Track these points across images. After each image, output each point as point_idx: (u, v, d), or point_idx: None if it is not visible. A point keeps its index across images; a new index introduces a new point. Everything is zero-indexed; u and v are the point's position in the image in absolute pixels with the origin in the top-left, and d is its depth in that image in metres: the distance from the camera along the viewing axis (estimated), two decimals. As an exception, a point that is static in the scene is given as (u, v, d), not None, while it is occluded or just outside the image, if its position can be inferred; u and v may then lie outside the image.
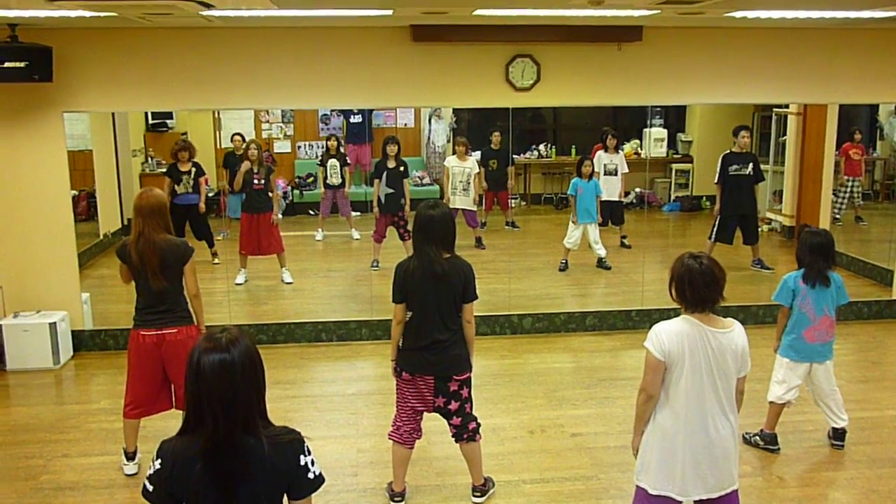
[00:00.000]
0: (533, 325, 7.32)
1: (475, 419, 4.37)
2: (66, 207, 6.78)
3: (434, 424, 4.64)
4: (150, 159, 11.00)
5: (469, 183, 9.65)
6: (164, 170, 9.68)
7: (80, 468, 4.88)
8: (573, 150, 12.32)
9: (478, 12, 5.71)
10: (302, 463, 2.32)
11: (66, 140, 6.70)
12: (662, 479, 3.37)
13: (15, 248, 6.70)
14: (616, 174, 9.65)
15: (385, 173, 8.87)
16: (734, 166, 8.82)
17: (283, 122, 12.42)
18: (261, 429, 2.27)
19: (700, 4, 5.20)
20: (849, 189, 10.18)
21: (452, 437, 4.37)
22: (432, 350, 4.15)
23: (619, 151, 9.96)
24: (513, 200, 11.71)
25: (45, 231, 6.70)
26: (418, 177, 11.94)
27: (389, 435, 4.38)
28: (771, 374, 5.07)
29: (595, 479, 4.71)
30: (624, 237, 9.98)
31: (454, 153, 10.04)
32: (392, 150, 8.93)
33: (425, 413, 4.34)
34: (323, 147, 11.64)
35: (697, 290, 3.32)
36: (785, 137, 10.50)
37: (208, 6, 4.96)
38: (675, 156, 12.32)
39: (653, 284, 7.64)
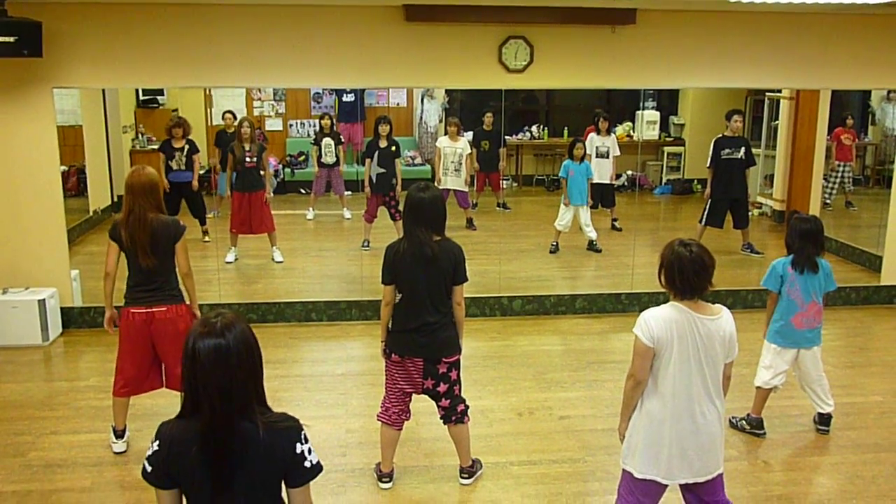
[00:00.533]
0: (523, 308, 7.34)
1: (464, 401, 4.39)
2: (55, 183, 6.74)
3: (423, 405, 4.67)
4: (140, 135, 10.93)
5: (461, 163, 9.63)
6: (157, 146, 9.63)
7: (69, 445, 4.89)
8: (565, 132, 12.31)
9: (472, -7, 5.69)
10: (298, 451, 2.31)
11: (55, 116, 6.65)
12: (648, 464, 3.40)
13: (4, 223, 6.66)
14: (608, 157, 9.64)
15: (376, 153, 8.83)
16: (726, 150, 8.83)
17: (274, 100, 12.34)
18: (258, 414, 2.26)
19: (695, -12, 5.18)
20: (839, 174, 10.21)
21: (441, 419, 4.39)
22: (422, 332, 4.16)
23: (611, 134, 9.95)
24: (504, 182, 11.72)
25: (35, 207, 6.67)
26: (410, 157, 11.91)
27: (378, 416, 4.39)
28: (759, 359, 5.11)
29: (582, 461, 4.74)
30: (615, 220, 9.99)
31: (446, 133, 10.01)
32: (384, 129, 8.88)
33: (414, 394, 4.36)
34: (315, 126, 11.60)
35: (687, 277, 3.34)
36: (777, 122, 10.52)
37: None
38: (667, 139, 12.33)
39: (643, 268, 7.66)
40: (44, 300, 6.51)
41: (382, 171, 8.83)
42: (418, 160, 12.04)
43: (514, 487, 4.46)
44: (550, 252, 9.04)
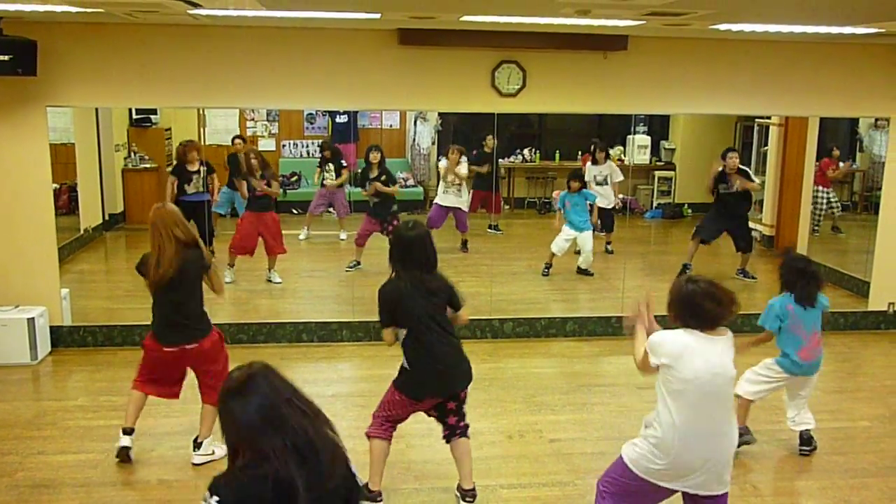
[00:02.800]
0: (514, 330, 7.35)
1: (465, 416, 4.41)
2: (47, 201, 6.74)
3: (414, 427, 4.66)
4: (133, 154, 10.94)
5: (462, 184, 9.69)
6: (170, 169, 9.67)
7: (57, 465, 4.86)
8: (557, 155, 12.39)
9: (465, 18, 5.73)
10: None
11: (48, 134, 6.66)
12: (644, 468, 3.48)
13: (-5, 241, 6.65)
14: (606, 184, 9.74)
15: (367, 183, 8.95)
16: (723, 185, 8.92)
17: (267, 120, 12.39)
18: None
19: (686, 17, 5.25)
20: (825, 199, 10.28)
21: (445, 437, 4.38)
22: (449, 369, 4.22)
23: (608, 160, 10.02)
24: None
25: (26, 225, 6.66)
26: (402, 178, 11.94)
27: (371, 433, 4.34)
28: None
29: (572, 484, 4.74)
30: (609, 243, 10.05)
31: (443, 157, 10.07)
32: (374, 157, 9.00)
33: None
34: (307, 146, 11.68)
35: (704, 312, 3.42)
36: (766, 148, 10.61)
37: (196, 5, 4.96)
38: (658, 163, 12.41)
39: (633, 291, 7.68)
40: (33, 319, 6.48)
41: (377, 199, 8.87)
42: (411, 182, 12.08)
43: (504, 511, 4.45)
44: (543, 274, 9.05)
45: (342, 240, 10.38)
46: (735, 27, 5.98)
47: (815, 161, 9.64)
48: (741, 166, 9.00)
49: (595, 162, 9.87)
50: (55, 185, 7.26)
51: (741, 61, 7.11)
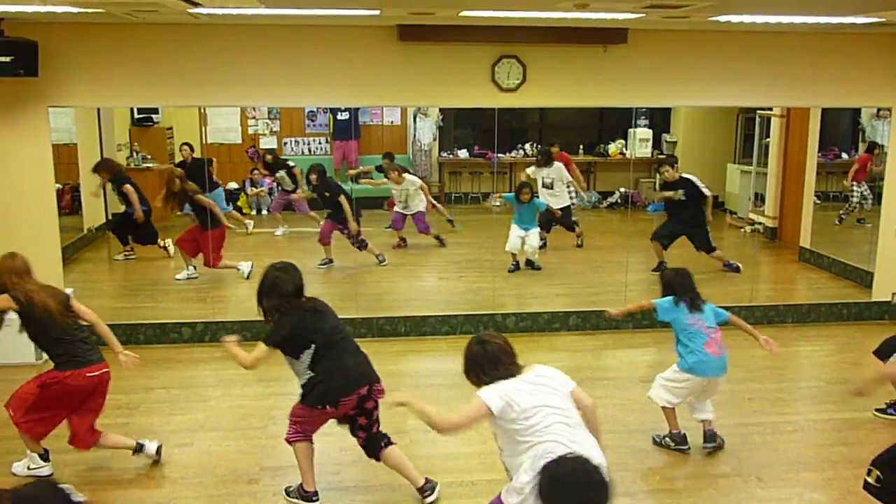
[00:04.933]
0: (517, 325, 7.35)
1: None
2: (50, 201, 6.76)
3: (417, 423, 4.66)
4: (135, 154, 10.94)
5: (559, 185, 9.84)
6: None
7: (63, 464, 4.87)
8: (557, 150, 12.35)
9: (464, 13, 5.74)
10: None
11: (50, 135, 6.68)
12: None
13: (-2, 242, 6.67)
14: (552, 187, 9.77)
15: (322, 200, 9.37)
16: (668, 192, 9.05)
17: (269, 118, 12.38)
18: None
19: (685, 9, 5.24)
20: (858, 194, 10.34)
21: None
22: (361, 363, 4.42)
23: (553, 163, 9.92)
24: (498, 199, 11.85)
25: (29, 225, 6.67)
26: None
27: (291, 438, 4.44)
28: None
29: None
30: (579, 236, 10.16)
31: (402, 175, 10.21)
32: (313, 178, 9.30)
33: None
34: (309, 143, 11.71)
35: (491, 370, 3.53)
36: (768, 139, 10.59)
37: (196, 4, 4.97)
38: (659, 156, 12.38)
39: (636, 285, 7.69)
40: (38, 319, 6.49)
41: (330, 210, 9.23)
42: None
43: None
44: (509, 271, 9.03)
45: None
46: (735, 18, 5.98)
47: (818, 152, 9.63)
48: (687, 175, 9.03)
49: (541, 165, 9.88)
50: (58, 186, 7.27)
51: (741, 53, 7.10)
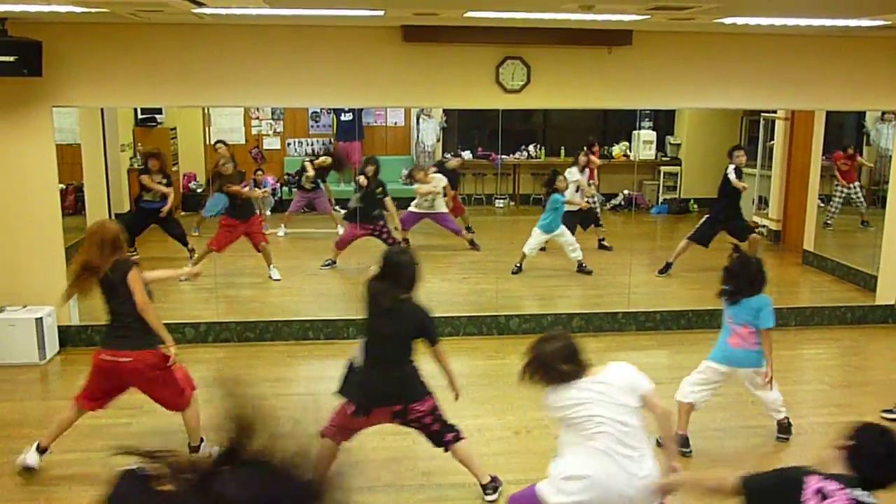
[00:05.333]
0: (520, 326, 7.34)
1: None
2: (53, 202, 6.77)
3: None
4: (138, 154, 10.96)
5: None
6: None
7: (66, 464, 4.88)
8: (562, 151, 12.36)
9: (469, 14, 5.74)
10: None
11: (54, 135, 6.68)
12: None
13: (2, 241, 6.68)
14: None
15: (360, 193, 9.11)
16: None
17: (272, 118, 12.40)
18: None
19: (690, 10, 5.23)
20: (842, 195, 10.30)
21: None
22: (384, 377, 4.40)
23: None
24: (501, 201, 11.86)
25: (33, 225, 6.68)
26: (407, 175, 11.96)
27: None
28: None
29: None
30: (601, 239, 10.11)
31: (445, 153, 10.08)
32: (370, 170, 9.13)
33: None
34: (312, 144, 11.72)
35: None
36: (772, 142, 10.58)
37: (200, 4, 4.97)
38: (663, 158, 12.39)
39: (639, 287, 7.69)
40: (41, 318, 6.51)
41: (362, 205, 8.99)
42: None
43: (512, 506, 4.45)
44: (513, 273, 9.04)
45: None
46: (740, 21, 5.97)
47: (823, 155, 9.62)
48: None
49: (583, 168, 9.81)
50: (61, 186, 7.28)
51: (746, 55, 7.09)
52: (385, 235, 9.01)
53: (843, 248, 9.87)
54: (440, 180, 9.91)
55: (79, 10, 5.36)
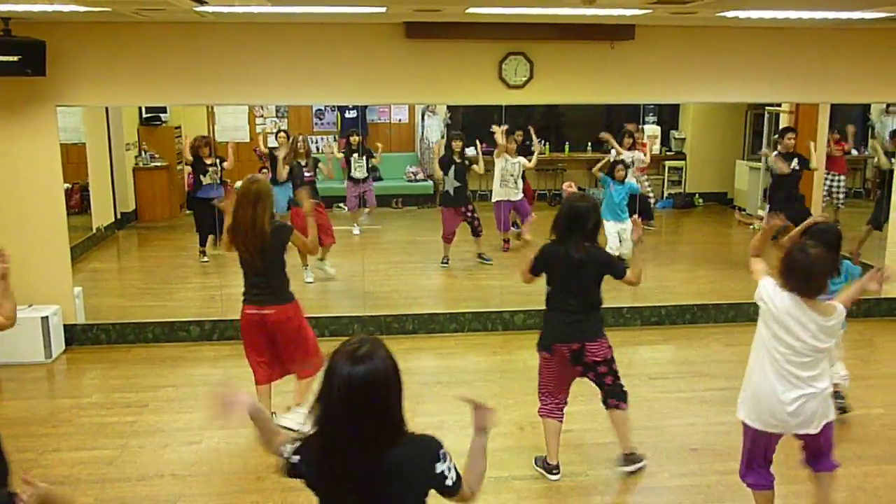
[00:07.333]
0: (525, 322, 7.34)
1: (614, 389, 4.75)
2: (58, 201, 6.78)
3: (427, 421, 4.67)
4: (143, 153, 10.99)
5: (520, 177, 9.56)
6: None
7: (72, 462, 4.90)
8: (567, 147, 12.35)
9: (471, 10, 5.72)
10: (438, 470, 2.37)
11: (59, 134, 6.70)
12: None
13: (7, 241, 6.64)
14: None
15: (452, 167, 8.92)
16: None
17: (277, 116, 12.40)
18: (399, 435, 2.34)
19: (692, 4, 5.22)
20: (829, 186, 10.20)
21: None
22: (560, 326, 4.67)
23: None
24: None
25: (38, 224, 6.71)
26: (412, 172, 11.96)
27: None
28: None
29: (584, 475, 4.75)
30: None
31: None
32: (457, 145, 9.01)
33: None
34: (320, 141, 11.70)
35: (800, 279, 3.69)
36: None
37: (202, 2, 4.97)
38: (668, 153, 12.36)
39: (644, 282, 7.62)
40: (47, 317, 6.54)
41: (459, 184, 8.88)
42: (420, 176, 12.08)
43: (516, 501, 4.47)
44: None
45: (356, 234, 10.35)
46: (742, 14, 5.95)
47: (826, 147, 9.58)
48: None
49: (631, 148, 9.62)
50: (67, 185, 7.31)
51: (750, 48, 7.07)
52: (477, 222, 8.94)
53: (849, 240, 9.81)
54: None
55: (82, 9, 5.37)
